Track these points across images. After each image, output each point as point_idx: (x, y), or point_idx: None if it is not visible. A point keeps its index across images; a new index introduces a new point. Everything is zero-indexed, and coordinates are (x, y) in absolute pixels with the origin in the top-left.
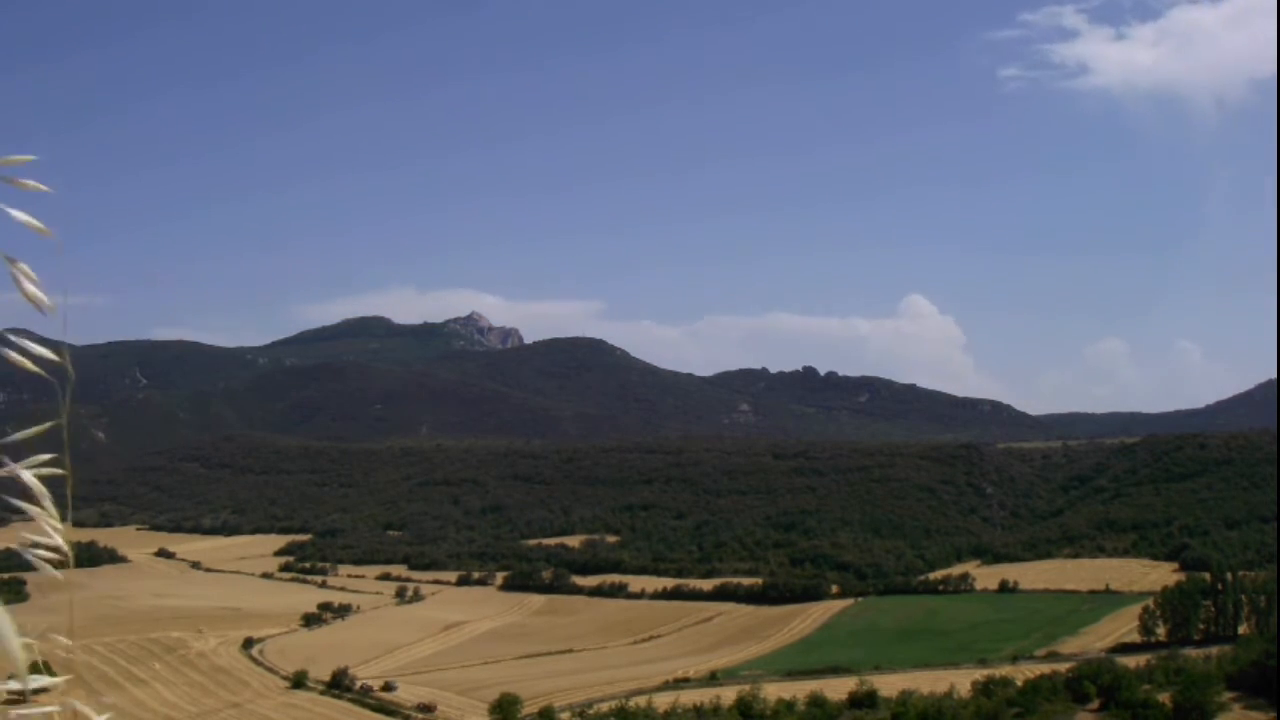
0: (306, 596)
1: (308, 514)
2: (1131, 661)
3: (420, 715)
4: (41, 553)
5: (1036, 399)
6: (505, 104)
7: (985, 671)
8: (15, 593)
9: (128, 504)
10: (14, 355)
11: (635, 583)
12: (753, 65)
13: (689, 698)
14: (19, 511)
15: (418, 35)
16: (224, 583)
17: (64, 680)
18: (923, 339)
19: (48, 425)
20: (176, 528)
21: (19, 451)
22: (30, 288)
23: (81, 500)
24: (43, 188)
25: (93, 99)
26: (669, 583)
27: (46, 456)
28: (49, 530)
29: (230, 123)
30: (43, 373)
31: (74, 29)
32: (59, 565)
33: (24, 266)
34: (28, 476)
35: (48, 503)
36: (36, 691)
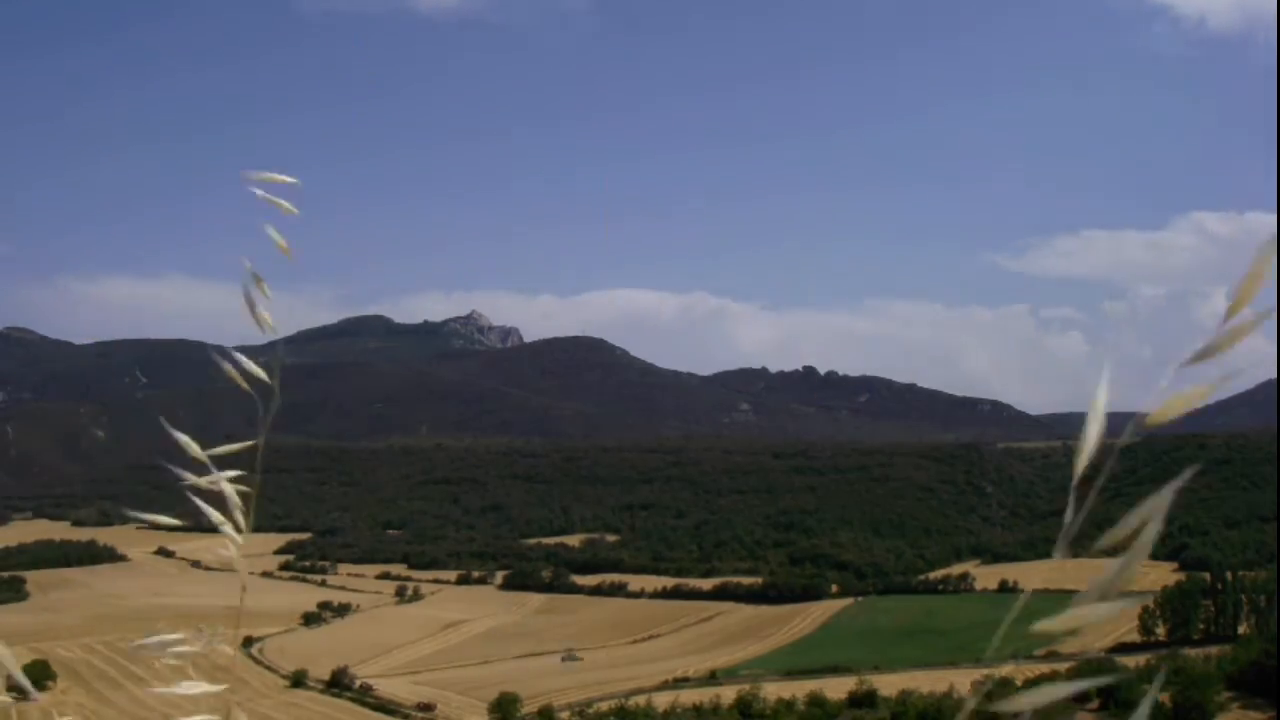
0: (306, 595)
1: (307, 513)
2: (1131, 661)
3: (420, 714)
4: (231, 557)
5: (1037, 398)
6: (504, 103)
7: (985, 671)
8: (15, 591)
9: (128, 503)
10: (231, 371)
11: (635, 582)
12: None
13: (688, 697)
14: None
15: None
16: (224, 581)
17: (224, 687)
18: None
19: (249, 444)
20: (176, 527)
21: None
22: (261, 309)
23: (81, 499)
24: (295, 211)
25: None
26: (669, 582)
27: (238, 472)
28: (230, 540)
29: (230, 124)
30: (250, 390)
31: (76, 20)
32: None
33: (267, 287)
34: (229, 489)
35: (238, 514)
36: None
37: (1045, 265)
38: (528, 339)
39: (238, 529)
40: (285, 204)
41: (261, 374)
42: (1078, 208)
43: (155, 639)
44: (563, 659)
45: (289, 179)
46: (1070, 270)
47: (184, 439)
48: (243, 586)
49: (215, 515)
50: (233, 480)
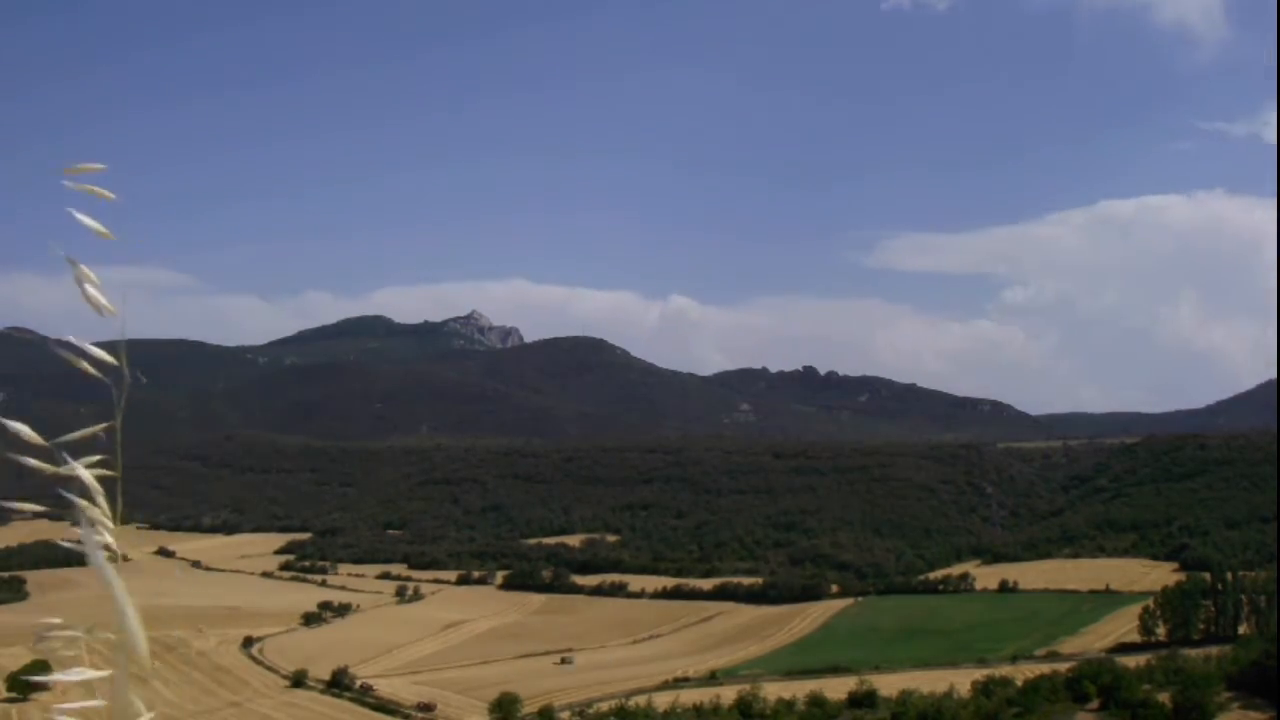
0: (306, 595)
1: (308, 513)
2: (1131, 661)
3: (420, 714)
4: (98, 548)
5: (1037, 399)
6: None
7: (985, 671)
8: (15, 591)
9: (127, 503)
10: (72, 358)
11: (635, 582)
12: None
13: (689, 697)
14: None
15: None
16: (224, 582)
17: (110, 674)
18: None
19: (104, 426)
20: (176, 526)
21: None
22: (92, 290)
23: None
24: (110, 196)
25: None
26: (669, 582)
27: (99, 456)
28: (101, 528)
29: (230, 124)
30: (100, 375)
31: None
32: (110, 560)
33: (86, 269)
34: (85, 474)
35: (102, 500)
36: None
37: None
38: (528, 339)
39: (108, 517)
40: (103, 191)
41: (109, 359)
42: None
43: (50, 630)
44: (558, 662)
45: (97, 166)
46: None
47: (21, 428)
48: (115, 574)
49: (80, 502)
50: (93, 465)
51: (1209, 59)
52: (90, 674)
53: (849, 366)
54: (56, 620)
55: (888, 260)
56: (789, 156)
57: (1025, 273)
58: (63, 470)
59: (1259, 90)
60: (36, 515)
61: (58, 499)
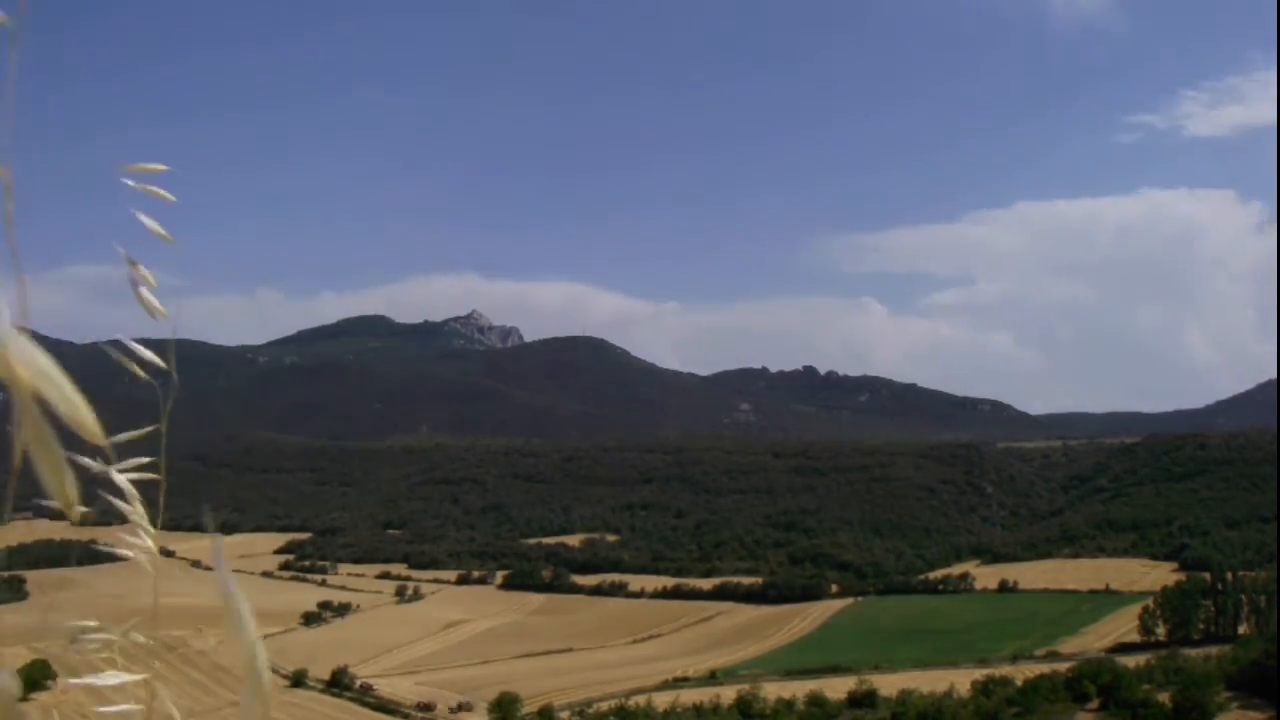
0: (306, 595)
1: (308, 513)
2: (1131, 661)
3: (420, 714)
4: (134, 550)
5: (1037, 398)
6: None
7: (985, 671)
8: (16, 591)
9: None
10: (123, 359)
11: (635, 582)
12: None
13: (688, 697)
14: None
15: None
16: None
17: (144, 677)
18: None
19: (149, 429)
20: (176, 526)
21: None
22: (147, 294)
23: (81, 499)
24: (171, 198)
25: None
26: (669, 582)
27: (144, 460)
28: (140, 531)
29: (231, 124)
30: (147, 377)
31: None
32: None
33: (145, 272)
34: (120, 479)
35: (138, 504)
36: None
37: None
38: (528, 339)
39: (152, 522)
40: (164, 193)
41: (160, 362)
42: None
43: (75, 630)
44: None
45: (160, 167)
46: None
47: (91, 422)
48: (155, 580)
49: (123, 506)
50: (138, 469)
51: (1119, 52)
52: (125, 677)
53: (849, 366)
54: (92, 622)
55: (827, 259)
56: (709, 163)
57: (963, 271)
58: (103, 470)
59: (1173, 81)
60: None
61: (92, 500)
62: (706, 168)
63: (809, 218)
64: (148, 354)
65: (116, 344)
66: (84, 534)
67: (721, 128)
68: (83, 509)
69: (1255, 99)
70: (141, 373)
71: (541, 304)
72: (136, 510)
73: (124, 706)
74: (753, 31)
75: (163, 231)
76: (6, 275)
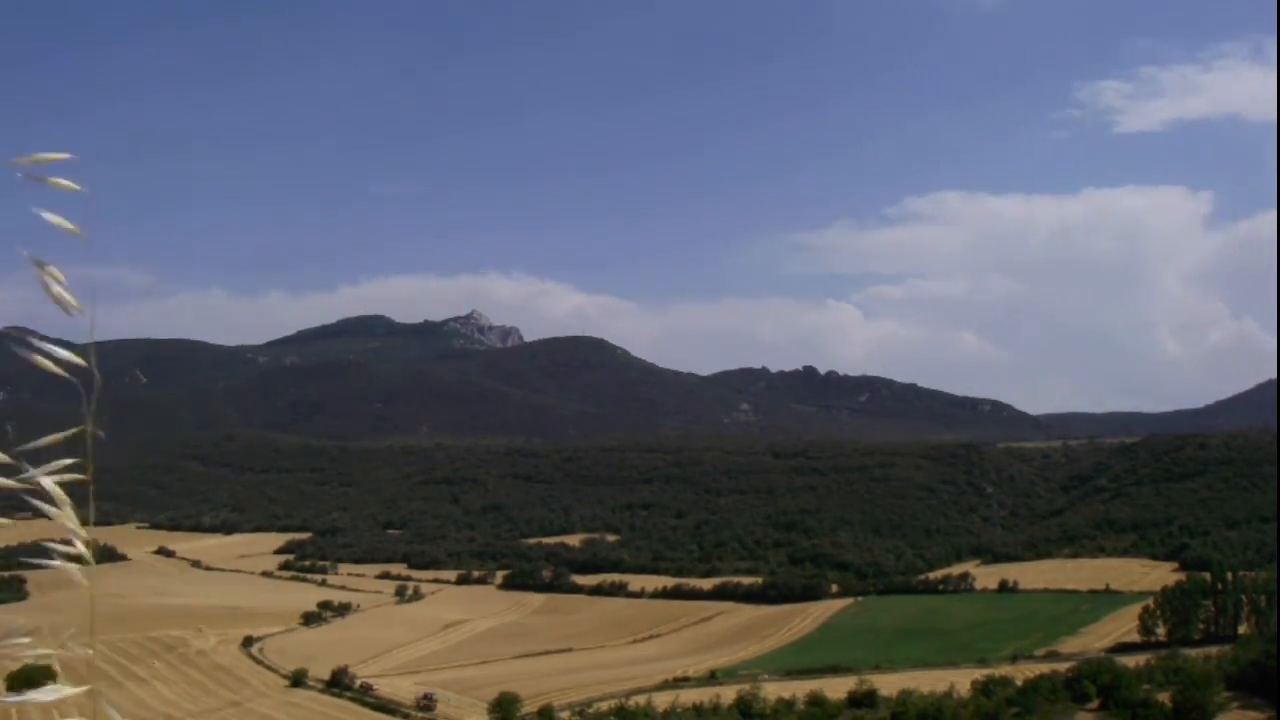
0: (306, 595)
1: (308, 513)
2: (1131, 661)
3: (420, 714)
4: (61, 555)
5: (1037, 398)
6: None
7: (985, 671)
8: (16, 591)
9: (127, 502)
10: (38, 359)
11: (635, 582)
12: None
13: (688, 697)
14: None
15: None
16: (224, 581)
17: (86, 689)
18: None
19: (73, 431)
20: (176, 526)
21: (40, 455)
22: (58, 289)
23: (81, 499)
24: (74, 187)
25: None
26: (669, 582)
27: (68, 461)
28: (72, 535)
29: (230, 125)
30: (68, 376)
31: (87, 21)
32: (81, 566)
33: (53, 269)
34: (48, 483)
35: (68, 508)
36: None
37: None
38: (528, 339)
39: (83, 523)
40: (65, 182)
41: (79, 360)
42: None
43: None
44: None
45: (60, 155)
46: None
47: None
48: (90, 584)
49: (52, 510)
50: (65, 471)
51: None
52: (66, 691)
53: (849, 366)
54: (21, 633)
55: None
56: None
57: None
58: (24, 480)
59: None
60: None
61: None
62: (652, 174)
63: (749, 219)
64: (62, 352)
65: (22, 341)
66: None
67: (656, 137)
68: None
69: (1181, 92)
70: (59, 370)
71: (547, 304)
72: (66, 514)
73: None
74: (692, 40)
75: (68, 225)
76: None
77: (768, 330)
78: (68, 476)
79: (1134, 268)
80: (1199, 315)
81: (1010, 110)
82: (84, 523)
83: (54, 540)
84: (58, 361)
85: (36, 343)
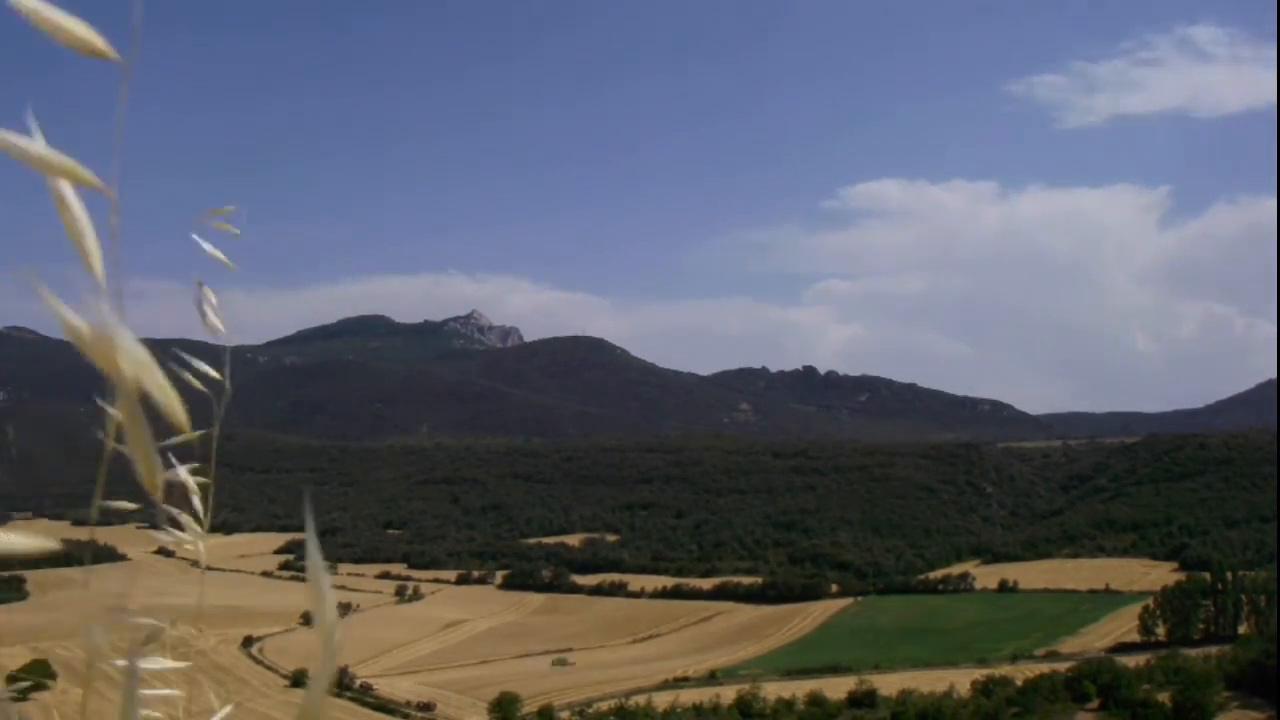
0: (306, 595)
1: None
2: (1131, 661)
3: (420, 714)
4: (184, 545)
5: (1037, 398)
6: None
7: (985, 671)
8: (16, 591)
9: (127, 502)
10: (178, 369)
11: (635, 582)
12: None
13: (688, 697)
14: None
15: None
16: (223, 581)
17: (186, 665)
18: None
19: (201, 433)
20: (176, 526)
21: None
22: (211, 315)
23: (81, 499)
24: (236, 232)
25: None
26: (669, 582)
27: (197, 465)
28: (191, 531)
29: (228, 123)
30: (203, 388)
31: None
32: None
33: (209, 291)
34: (185, 475)
35: (196, 500)
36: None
37: None
38: (528, 339)
39: (198, 521)
40: (232, 228)
41: (214, 373)
42: None
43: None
44: (553, 663)
45: (231, 209)
46: None
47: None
48: (201, 581)
49: (173, 510)
50: (190, 473)
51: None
52: (170, 664)
53: (849, 366)
54: (135, 609)
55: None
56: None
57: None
58: (166, 474)
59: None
60: (129, 513)
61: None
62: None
63: (700, 217)
64: (205, 366)
65: (173, 355)
66: (83, 534)
67: (615, 130)
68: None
69: (1122, 87)
70: (196, 382)
71: (547, 304)
72: (193, 506)
73: (168, 691)
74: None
75: (225, 259)
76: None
77: (734, 328)
78: (195, 478)
79: (1085, 264)
80: (1148, 309)
81: (956, 104)
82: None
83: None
84: (196, 374)
85: (184, 356)
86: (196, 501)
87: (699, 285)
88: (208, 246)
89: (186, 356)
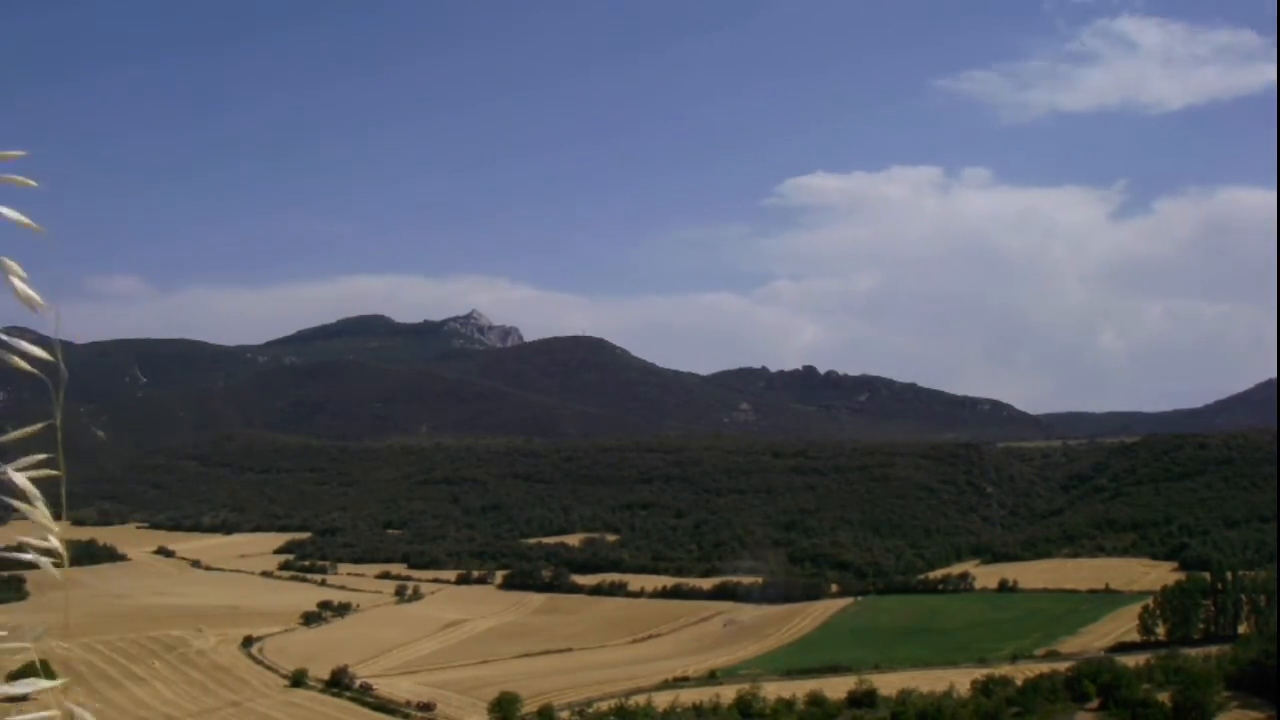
0: (306, 595)
1: (307, 512)
2: (1131, 661)
3: (420, 714)
4: (37, 554)
5: (1037, 398)
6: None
7: (985, 671)
8: (15, 590)
9: (127, 502)
10: (7, 355)
11: (635, 581)
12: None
13: (688, 697)
14: (17, 511)
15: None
16: (224, 581)
17: (62, 683)
18: None
19: (41, 426)
20: (176, 526)
21: (12, 452)
22: (21, 286)
23: (81, 499)
24: (30, 183)
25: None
26: (668, 582)
27: (40, 457)
28: (45, 531)
29: (229, 124)
30: (37, 372)
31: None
32: (56, 565)
33: (13, 264)
34: (19, 478)
35: (40, 504)
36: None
37: None
38: (528, 339)
39: (50, 520)
40: (19, 179)
41: (44, 355)
42: None
43: None
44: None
45: (16, 153)
46: None
47: None
48: (64, 581)
49: (23, 507)
50: (34, 466)
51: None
52: (41, 684)
53: (849, 366)
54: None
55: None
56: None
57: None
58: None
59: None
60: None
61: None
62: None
63: (646, 214)
64: (32, 348)
65: None
66: (82, 534)
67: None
68: None
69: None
70: (27, 366)
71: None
72: (39, 510)
73: (41, 714)
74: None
75: (28, 221)
76: None
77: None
78: (41, 472)
79: (1037, 261)
80: (1103, 306)
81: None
82: (57, 519)
83: (30, 538)
84: (29, 358)
85: (8, 339)
86: (39, 504)
87: (652, 281)
88: (5, 210)
89: (16, 341)
